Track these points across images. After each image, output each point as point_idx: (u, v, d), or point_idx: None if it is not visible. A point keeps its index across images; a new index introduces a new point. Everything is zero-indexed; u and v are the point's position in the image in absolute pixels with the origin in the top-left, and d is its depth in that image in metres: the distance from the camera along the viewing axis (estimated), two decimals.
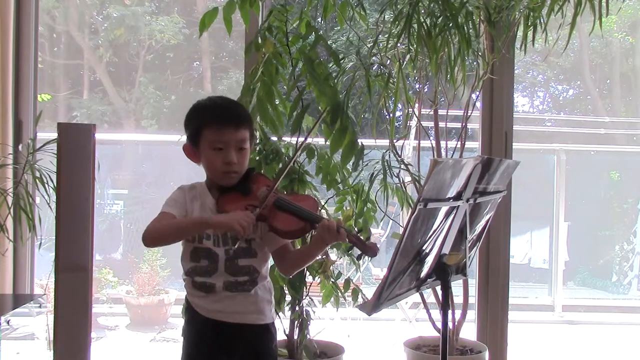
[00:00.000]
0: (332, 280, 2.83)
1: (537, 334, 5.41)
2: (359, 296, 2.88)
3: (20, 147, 3.45)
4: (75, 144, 2.54)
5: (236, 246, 1.78)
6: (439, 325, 2.49)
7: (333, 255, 2.88)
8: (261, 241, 1.87)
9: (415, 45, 2.79)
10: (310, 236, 2.05)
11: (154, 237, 1.77)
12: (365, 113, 3.06)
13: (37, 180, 3.10)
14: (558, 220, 6.25)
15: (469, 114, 3.10)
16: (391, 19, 2.88)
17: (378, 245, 1.77)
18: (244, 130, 1.84)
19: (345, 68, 2.86)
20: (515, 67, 3.48)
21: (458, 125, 3.23)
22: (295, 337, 2.80)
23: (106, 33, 8.54)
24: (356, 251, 1.80)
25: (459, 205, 1.74)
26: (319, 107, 2.62)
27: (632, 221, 7.19)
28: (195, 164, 1.91)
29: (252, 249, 1.85)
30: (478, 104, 3.32)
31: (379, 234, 4.97)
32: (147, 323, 5.36)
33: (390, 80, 2.84)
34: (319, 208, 1.99)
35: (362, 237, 1.77)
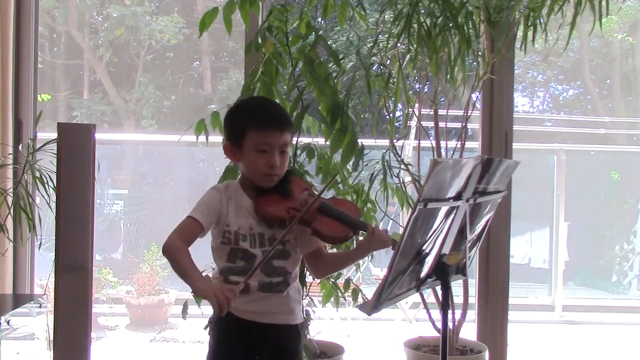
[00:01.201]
0: (332, 280, 2.83)
1: (537, 334, 5.41)
2: (359, 296, 2.88)
3: (20, 147, 3.45)
4: (75, 144, 2.54)
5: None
6: (439, 325, 2.49)
7: None
8: (295, 243, 1.87)
9: (415, 45, 2.79)
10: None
11: (167, 256, 1.76)
12: (365, 113, 3.06)
13: (37, 180, 3.10)
14: (558, 220, 6.25)
15: (469, 114, 3.10)
16: (391, 19, 2.88)
17: None
18: (287, 134, 1.85)
19: (345, 68, 2.86)
20: (515, 67, 3.48)
21: (458, 125, 3.22)
22: None
23: (106, 33, 8.55)
24: (377, 253, 1.82)
25: (459, 205, 1.74)
26: (319, 107, 2.61)
27: (632, 221, 7.19)
28: (233, 162, 1.92)
29: (286, 251, 1.86)
30: (478, 104, 3.32)
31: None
32: (147, 323, 5.36)
33: (390, 80, 2.84)
34: (360, 214, 2.00)
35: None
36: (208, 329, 1.93)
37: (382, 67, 2.94)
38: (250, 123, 1.82)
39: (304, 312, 2.77)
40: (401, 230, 1.65)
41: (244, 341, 1.86)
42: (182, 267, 1.75)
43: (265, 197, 1.84)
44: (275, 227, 1.81)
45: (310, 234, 1.82)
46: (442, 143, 3.12)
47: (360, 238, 1.94)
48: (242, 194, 1.85)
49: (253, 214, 1.82)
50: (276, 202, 1.82)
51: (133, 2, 8.52)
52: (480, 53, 3.00)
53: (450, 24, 2.68)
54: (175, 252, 1.75)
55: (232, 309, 1.84)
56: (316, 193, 1.89)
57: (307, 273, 2.77)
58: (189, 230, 1.78)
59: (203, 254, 2.00)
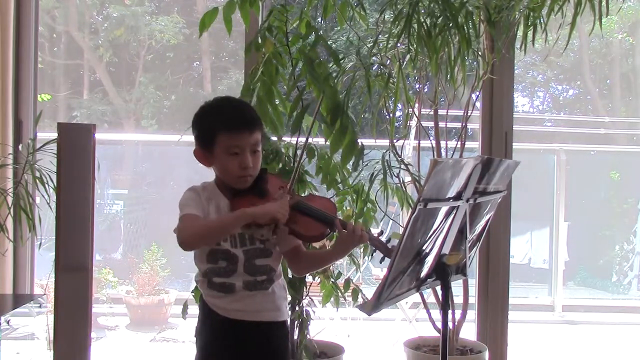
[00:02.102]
0: (332, 280, 2.83)
1: (537, 334, 5.41)
2: (359, 296, 2.88)
3: (20, 147, 3.45)
4: (75, 144, 2.54)
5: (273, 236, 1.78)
6: (439, 325, 2.49)
7: None
8: (275, 241, 1.86)
9: (415, 45, 2.79)
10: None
11: (195, 239, 1.73)
12: (365, 113, 3.06)
13: (37, 180, 3.10)
14: (558, 220, 6.25)
15: (469, 114, 3.10)
16: (391, 19, 2.88)
17: None
18: (257, 132, 1.82)
19: (345, 68, 2.86)
20: (515, 67, 3.48)
21: (458, 125, 3.23)
22: (295, 337, 2.79)
23: (106, 33, 8.55)
24: (378, 254, 1.79)
25: (459, 205, 1.74)
26: (319, 107, 2.61)
27: (632, 221, 7.19)
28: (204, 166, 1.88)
29: (267, 249, 1.86)
30: (478, 104, 3.32)
31: (378, 234, 4.97)
32: (147, 323, 5.36)
33: (390, 80, 2.84)
34: (337, 210, 1.99)
35: (383, 240, 1.77)
36: (195, 331, 1.93)
37: (382, 67, 2.94)
38: (219, 127, 1.78)
39: (304, 312, 2.78)
40: (401, 230, 1.65)
41: (232, 340, 1.85)
42: (224, 219, 1.76)
43: (241, 197, 1.82)
44: (252, 227, 1.77)
45: (287, 233, 1.81)
46: (442, 143, 3.12)
47: None
48: (219, 194, 1.84)
49: None
50: (252, 202, 1.78)
51: (133, 2, 8.52)
52: (480, 53, 3.00)
53: (450, 24, 2.67)
54: (199, 226, 1.74)
55: (217, 309, 1.84)
56: (293, 190, 1.88)
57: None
58: (195, 221, 1.77)
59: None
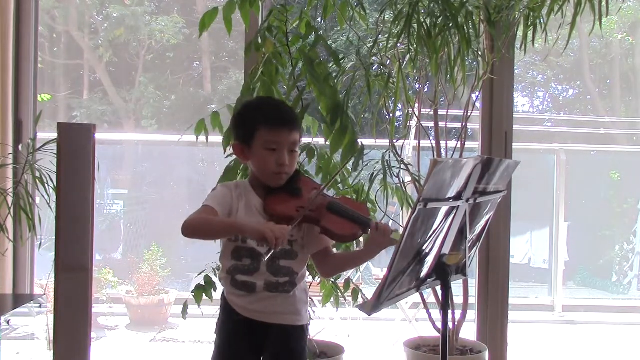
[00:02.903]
0: (332, 280, 2.83)
1: (537, 334, 5.41)
2: (359, 296, 2.88)
3: (20, 147, 3.45)
4: (75, 144, 2.54)
5: (266, 258, 1.75)
6: (439, 325, 2.49)
7: None
8: (303, 242, 1.88)
9: (415, 45, 2.79)
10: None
11: (190, 230, 1.74)
12: (365, 113, 3.06)
13: (37, 180, 3.10)
14: (558, 220, 6.25)
15: (469, 114, 3.10)
16: (391, 19, 2.88)
17: None
18: (296, 133, 1.86)
19: (345, 68, 2.86)
20: (515, 67, 3.48)
21: (458, 125, 3.22)
22: None
23: (106, 33, 8.55)
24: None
25: (459, 205, 1.74)
26: (319, 107, 2.61)
27: (632, 221, 7.20)
28: (242, 162, 1.92)
29: (293, 251, 1.86)
30: (478, 104, 3.32)
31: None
32: (147, 323, 5.36)
33: (390, 80, 2.84)
34: (369, 212, 2.00)
35: None
36: (215, 327, 1.94)
37: (382, 67, 2.94)
38: (260, 122, 1.84)
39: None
40: (401, 230, 1.65)
41: (250, 341, 1.87)
42: (215, 222, 1.76)
43: (274, 195, 1.84)
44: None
45: (319, 232, 1.83)
46: (442, 143, 3.12)
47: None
48: (251, 192, 1.86)
49: (262, 213, 1.83)
50: (286, 201, 1.82)
51: (133, 2, 8.52)
52: (480, 53, 3.00)
53: (450, 24, 2.68)
54: (201, 219, 1.75)
55: (238, 308, 1.84)
56: (325, 193, 1.90)
57: (307, 273, 2.77)
58: (203, 213, 1.78)
59: (209, 250, 1.99)
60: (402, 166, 2.96)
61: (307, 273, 2.76)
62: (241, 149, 1.88)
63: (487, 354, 3.06)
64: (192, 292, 2.70)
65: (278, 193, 1.85)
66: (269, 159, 1.82)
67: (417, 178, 3.02)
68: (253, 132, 1.84)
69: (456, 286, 2.20)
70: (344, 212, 1.83)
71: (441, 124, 3.12)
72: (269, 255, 1.71)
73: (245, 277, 1.84)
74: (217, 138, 2.73)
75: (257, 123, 1.84)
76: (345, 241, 1.94)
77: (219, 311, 1.95)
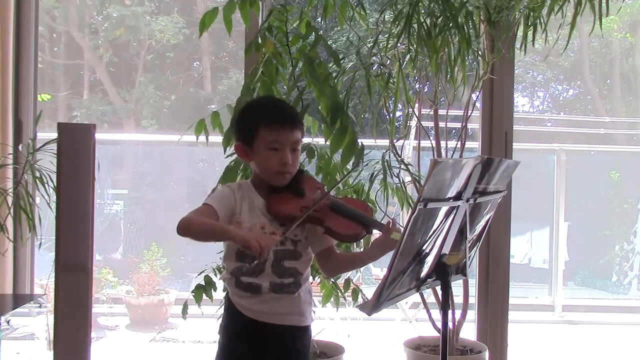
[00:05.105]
0: (332, 280, 2.83)
1: (537, 334, 5.41)
2: (359, 296, 2.88)
3: (20, 147, 3.45)
4: (75, 144, 2.54)
5: (251, 265, 1.76)
6: (439, 325, 2.49)
7: None
8: (307, 242, 1.87)
9: (415, 45, 2.79)
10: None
11: (184, 228, 1.73)
12: (365, 113, 3.06)
13: (37, 180, 3.10)
14: (558, 220, 6.26)
15: (469, 114, 3.10)
16: (391, 19, 2.88)
17: None
18: (298, 131, 1.86)
19: (345, 68, 2.86)
20: (515, 67, 3.48)
21: (458, 125, 3.22)
22: None
23: (106, 33, 8.55)
24: None
25: (459, 205, 1.74)
26: (319, 107, 2.62)
27: (632, 221, 7.20)
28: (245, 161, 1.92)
29: (297, 252, 1.86)
30: (478, 104, 3.32)
31: (378, 233, 4.97)
32: (147, 323, 5.36)
33: (390, 80, 2.84)
34: (372, 213, 2.00)
35: None
36: (219, 328, 1.94)
37: (382, 67, 2.94)
38: (261, 121, 1.83)
39: None
40: (401, 230, 1.65)
41: (254, 342, 1.86)
42: (208, 226, 1.74)
43: (278, 195, 1.84)
44: (287, 226, 1.79)
45: (323, 232, 1.83)
46: (442, 143, 3.12)
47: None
48: (254, 193, 1.86)
49: (265, 213, 1.83)
50: (289, 201, 1.82)
51: (133, 2, 8.52)
52: (480, 53, 3.00)
53: (450, 24, 2.67)
54: (194, 220, 1.74)
55: (243, 310, 1.84)
56: (329, 193, 1.90)
57: None
58: (202, 213, 1.78)
59: (209, 250, 1.99)
60: (402, 166, 2.96)
61: None
62: (243, 149, 1.87)
63: (487, 354, 3.06)
64: (192, 292, 2.70)
65: (281, 193, 1.85)
66: (272, 158, 1.82)
67: (417, 178, 3.01)
68: (255, 132, 1.83)
69: (456, 286, 2.20)
70: (347, 213, 1.83)
71: (441, 124, 3.12)
72: (253, 263, 1.72)
73: (250, 278, 1.84)
74: (217, 138, 2.73)
75: (258, 123, 1.83)
76: (349, 241, 1.95)
77: (222, 311, 1.95)
